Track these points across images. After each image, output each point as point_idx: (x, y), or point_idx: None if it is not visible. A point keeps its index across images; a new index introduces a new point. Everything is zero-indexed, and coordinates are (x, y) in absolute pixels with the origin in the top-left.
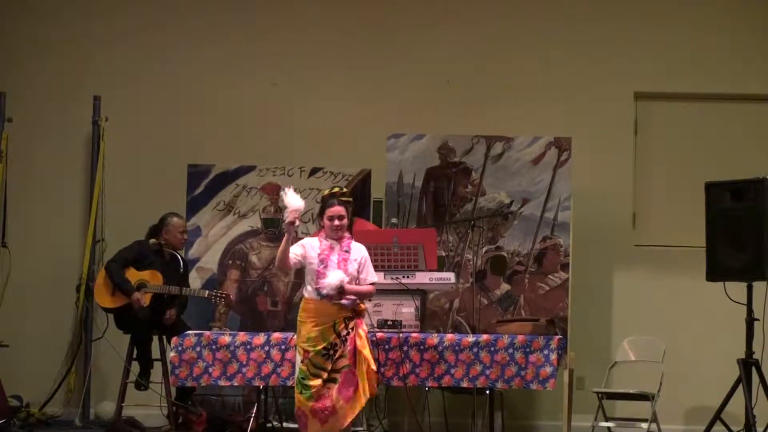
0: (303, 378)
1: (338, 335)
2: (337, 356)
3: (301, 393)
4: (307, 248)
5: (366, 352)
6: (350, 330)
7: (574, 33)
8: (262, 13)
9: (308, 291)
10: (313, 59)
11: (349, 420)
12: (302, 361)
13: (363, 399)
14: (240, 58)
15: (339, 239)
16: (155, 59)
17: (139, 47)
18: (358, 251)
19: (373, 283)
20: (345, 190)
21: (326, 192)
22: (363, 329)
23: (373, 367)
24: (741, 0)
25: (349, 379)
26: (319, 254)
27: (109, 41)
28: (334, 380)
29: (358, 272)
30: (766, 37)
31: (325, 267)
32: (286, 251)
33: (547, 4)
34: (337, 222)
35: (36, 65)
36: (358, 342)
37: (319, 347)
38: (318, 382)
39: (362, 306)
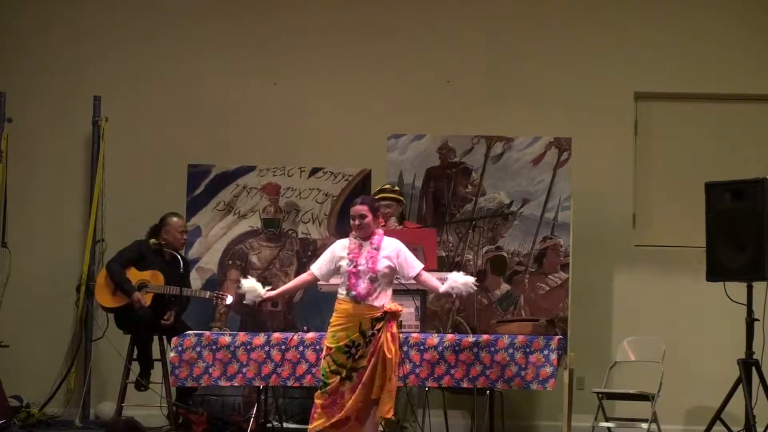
0: (323, 374)
1: (363, 334)
2: (358, 355)
3: (319, 388)
4: (336, 250)
5: (391, 357)
6: (376, 331)
7: (574, 33)
8: (262, 13)
9: (339, 291)
10: (313, 59)
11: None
12: (324, 357)
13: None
14: (240, 58)
15: (366, 238)
16: (155, 59)
17: (138, 47)
18: (390, 247)
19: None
20: (396, 188)
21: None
22: (393, 331)
23: (395, 382)
24: (741, 0)
25: (367, 383)
26: (348, 254)
27: (109, 41)
28: (350, 378)
29: (391, 269)
30: (765, 37)
31: (355, 266)
32: (295, 287)
33: (547, 5)
34: (357, 221)
35: (36, 65)
36: (384, 345)
37: (341, 344)
38: (336, 378)
39: (397, 308)
